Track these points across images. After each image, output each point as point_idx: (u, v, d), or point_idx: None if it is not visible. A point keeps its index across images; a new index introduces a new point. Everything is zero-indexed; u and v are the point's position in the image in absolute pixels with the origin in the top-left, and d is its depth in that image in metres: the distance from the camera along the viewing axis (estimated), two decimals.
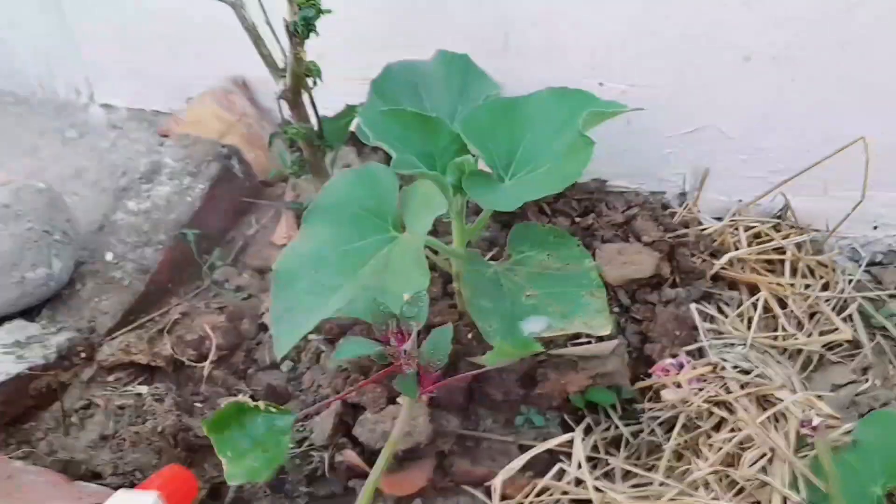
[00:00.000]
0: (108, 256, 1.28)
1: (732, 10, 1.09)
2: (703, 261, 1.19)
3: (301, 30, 0.95)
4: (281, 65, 1.06)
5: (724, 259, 1.17)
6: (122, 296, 1.23)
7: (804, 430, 0.72)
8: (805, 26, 1.07)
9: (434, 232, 1.25)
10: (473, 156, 0.98)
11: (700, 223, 1.26)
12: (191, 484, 0.66)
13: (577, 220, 1.26)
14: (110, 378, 1.15)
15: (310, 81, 1.07)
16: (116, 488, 0.95)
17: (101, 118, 1.73)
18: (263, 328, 1.20)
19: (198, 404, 1.08)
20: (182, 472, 0.66)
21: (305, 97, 1.11)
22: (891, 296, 1.17)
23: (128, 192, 1.37)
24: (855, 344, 1.11)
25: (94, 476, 1.01)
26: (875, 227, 1.21)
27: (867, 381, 1.05)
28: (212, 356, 1.14)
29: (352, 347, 0.75)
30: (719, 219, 1.27)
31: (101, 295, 1.24)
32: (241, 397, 0.88)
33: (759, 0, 1.06)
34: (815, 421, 0.70)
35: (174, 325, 1.18)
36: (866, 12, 1.03)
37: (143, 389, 1.10)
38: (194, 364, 1.14)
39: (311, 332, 1.11)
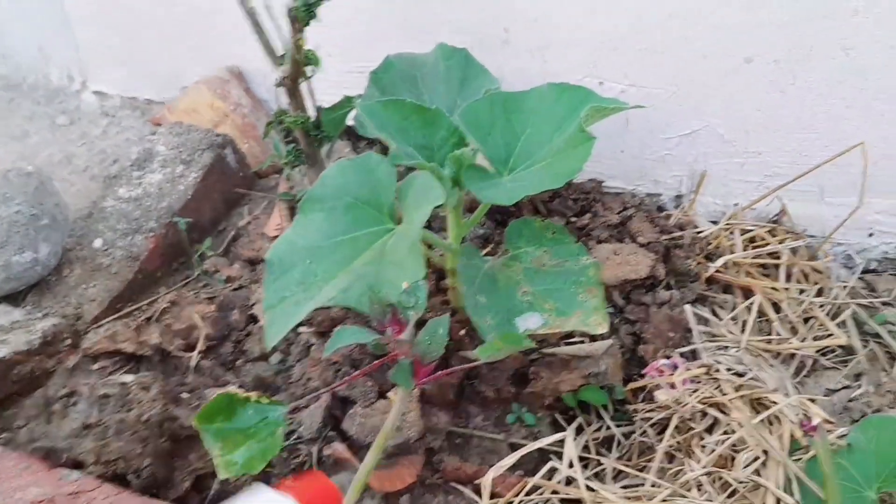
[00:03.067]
0: (97, 243, 1.26)
1: (735, 11, 1.08)
2: (699, 263, 1.18)
3: (302, 15, 0.94)
4: (280, 52, 1.05)
5: (720, 262, 1.17)
6: (110, 283, 1.21)
7: (804, 430, 0.71)
8: (808, 29, 1.06)
9: (428, 228, 1.24)
10: (472, 149, 0.97)
11: (696, 226, 1.25)
12: (332, 496, 0.62)
13: (573, 219, 1.26)
14: (95, 366, 1.13)
15: (308, 70, 1.06)
16: (99, 477, 0.93)
17: (93, 105, 1.71)
18: (253, 319, 1.18)
19: (184, 394, 1.06)
20: (324, 481, 0.62)
21: (304, 86, 1.09)
22: (884, 303, 1.17)
23: (118, 180, 1.35)
24: (848, 350, 1.11)
25: (76, 465, 0.98)
26: (870, 235, 1.21)
27: (860, 387, 1.05)
28: (200, 346, 1.12)
29: (348, 336, 0.73)
30: (715, 222, 1.26)
31: (89, 281, 1.22)
32: (230, 388, 0.86)
33: (762, 2, 1.06)
34: (815, 421, 0.69)
35: (162, 313, 1.16)
36: (870, 17, 1.03)
37: (129, 378, 1.08)
38: (182, 354, 1.13)
39: (301, 325, 1.10)
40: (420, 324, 0.81)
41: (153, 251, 1.24)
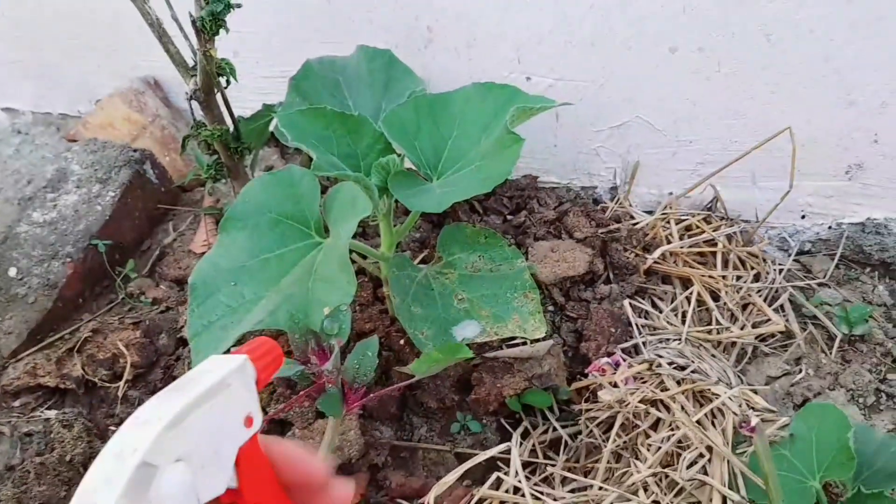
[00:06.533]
0: (12, 272, 1.19)
1: (658, 0, 1.07)
2: (636, 255, 1.17)
3: (209, 25, 0.89)
4: (191, 63, 1.00)
5: (657, 253, 1.16)
6: (28, 314, 1.15)
7: (743, 431, 0.70)
8: (729, 16, 1.06)
9: (363, 235, 1.21)
10: (399, 155, 0.94)
11: (632, 217, 1.24)
12: (277, 352, 0.59)
13: (510, 217, 1.24)
14: (16, 403, 1.07)
15: (223, 81, 1.01)
16: None
17: (3, 123, 1.62)
18: (183, 342, 1.13)
19: (112, 428, 1.01)
20: (269, 342, 0.59)
21: (219, 97, 1.04)
22: (820, 284, 1.18)
23: (32, 203, 1.28)
24: (787, 334, 1.11)
25: None
26: (803, 217, 1.22)
27: (800, 371, 1.05)
28: (126, 375, 1.07)
29: None
30: (651, 212, 1.26)
31: (5, 314, 1.15)
32: None
33: None
34: (753, 421, 0.68)
35: (84, 343, 1.10)
36: (789, 2, 1.02)
37: (52, 414, 1.03)
38: (108, 384, 1.07)
39: (232, 347, 1.06)
40: (358, 336, 0.78)
41: (72, 277, 1.18)
